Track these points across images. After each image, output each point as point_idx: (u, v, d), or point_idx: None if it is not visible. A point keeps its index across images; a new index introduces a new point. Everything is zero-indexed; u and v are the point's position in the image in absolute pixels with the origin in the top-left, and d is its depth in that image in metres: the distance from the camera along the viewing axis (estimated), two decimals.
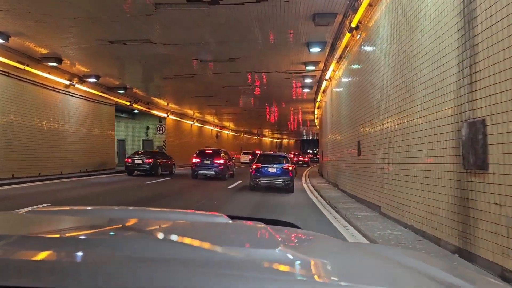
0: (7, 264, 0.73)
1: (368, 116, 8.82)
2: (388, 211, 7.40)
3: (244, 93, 22.30)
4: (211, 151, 17.96)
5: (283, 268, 0.85)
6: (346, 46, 11.29)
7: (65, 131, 16.95)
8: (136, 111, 27.47)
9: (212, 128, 41.78)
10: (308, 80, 17.78)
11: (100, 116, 20.24)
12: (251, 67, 15.86)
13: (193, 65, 15.36)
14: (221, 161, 17.36)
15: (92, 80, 17.49)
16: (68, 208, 1.54)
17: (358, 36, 9.80)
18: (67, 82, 16.73)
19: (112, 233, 1.19)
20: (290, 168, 13.42)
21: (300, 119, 39.31)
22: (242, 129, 53.06)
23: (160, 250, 0.89)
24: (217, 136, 43.45)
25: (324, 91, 18.52)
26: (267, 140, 68.21)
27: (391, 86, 7.06)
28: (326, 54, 13.82)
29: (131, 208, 1.68)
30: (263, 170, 13.12)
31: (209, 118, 37.55)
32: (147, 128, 30.15)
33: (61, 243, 0.94)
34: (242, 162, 39.42)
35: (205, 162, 17.25)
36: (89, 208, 1.53)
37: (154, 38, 12.12)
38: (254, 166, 13.35)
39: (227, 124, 44.44)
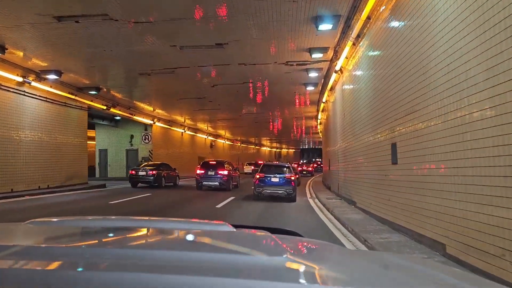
0: (7, 275, 0.74)
1: (416, 103, 5.84)
2: (466, 255, 4.39)
3: (238, 94, 19.37)
4: (215, 162, 17.95)
5: (290, 275, 0.88)
6: (369, 17, 8.40)
7: (17, 139, 13.88)
8: (118, 117, 24.54)
9: (206, 136, 38.79)
10: (312, 75, 14.85)
11: (68, 121, 17.20)
12: (244, 57, 12.93)
13: (171, 54, 12.42)
14: (225, 172, 17.33)
15: (53, 77, 14.50)
16: (71, 218, 1.63)
17: None
18: (20, 79, 13.74)
19: (116, 243, 1.22)
20: (293, 178, 13.64)
21: (302, 126, 37.24)
22: (239, 138, 50.10)
23: (165, 259, 0.91)
24: (211, 146, 40.45)
25: (331, 88, 15.59)
26: (265, 149, 65.24)
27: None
28: (338, 36, 10.91)
29: (134, 218, 1.70)
30: (266, 180, 13.29)
31: (202, 125, 34.60)
32: (131, 136, 27.14)
33: (65, 253, 0.96)
34: (246, 173, 37.41)
35: (209, 173, 17.22)
36: (92, 218, 1.57)
37: (114, 12, 9.18)
38: (257, 176, 13.44)
39: (222, 132, 41.48)
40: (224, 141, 45.31)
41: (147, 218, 1.71)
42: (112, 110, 20.43)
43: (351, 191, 11.71)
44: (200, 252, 1.03)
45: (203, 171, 17.41)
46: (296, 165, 32.74)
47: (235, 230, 1.34)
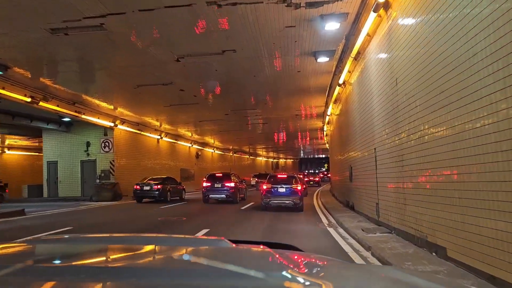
0: None
1: None
2: None
3: (220, 81, 13.76)
4: (221, 175, 17.95)
5: None
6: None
7: None
8: (67, 119, 18.80)
9: (190, 145, 32.97)
10: (331, 27, 9.18)
11: None
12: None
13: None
14: (232, 184, 17.22)
15: None
16: (69, 236, 1.63)
17: None
18: None
19: (114, 261, 1.24)
20: (299, 188, 13.74)
21: (304, 136, 33.82)
22: (231, 147, 44.31)
23: (163, 278, 0.92)
24: (197, 156, 34.62)
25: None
26: (261, 160, 59.38)
27: None
28: None
29: (132, 235, 1.68)
30: (273, 190, 13.57)
31: (184, 131, 28.86)
32: (88, 144, 21.30)
33: (58, 273, 0.98)
34: (253, 185, 35.07)
35: (216, 185, 17.17)
36: (89, 236, 1.56)
37: None
38: (264, 187, 13.79)
39: (210, 140, 35.72)
40: (213, 150, 39.46)
41: (146, 235, 1.70)
42: (42, 104, 14.62)
43: (430, 223, 5.91)
44: (199, 269, 1.05)
45: (209, 184, 17.28)
46: (302, 176, 31.05)
47: (233, 246, 1.38)
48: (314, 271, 1.18)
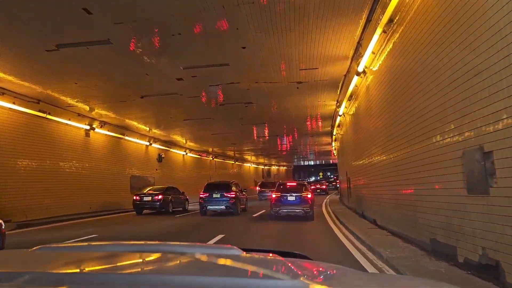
0: None
1: None
2: None
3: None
4: (220, 184, 17.02)
5: None
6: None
7: None
8: None
9: (148, 143, 24.39)
10: None
11: None
12: None
13: None
14: (232, 194, 16.23)
15: None
16: (78, 244, 1.72)
17: None
18: None
19: (125, 268, 1.23)
20: (309, 196, 13.55)
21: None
22: (210, 150, 35.77)
23: (175, 285, 0.94)
24: (160, 159, 25.98)
25: None
26: (249, 166, 50.70)
27: None
28: None
29: (143, 242, 1.70)
30: (282, 199, 13.47)
31: (136, 123, 20.41)
32: None
33: (74, 280, 1.00)
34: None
35: (214, 196, 16.10)
36: (101, 244, 1.58)
37: None
38: (273, 195, 13.80)
39: (179, 139, 27.22)
40: (184, 153, 30.83)
41: (156, 242, 1.68)
42: None
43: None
44: (211, 277, 1.04)
45: (206, 194, 16.21)
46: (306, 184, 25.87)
47: (244, 253, 1.39)
48: (326, 280, 1.18)
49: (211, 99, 15.92)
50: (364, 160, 12.44)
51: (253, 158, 48.02)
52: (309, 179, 72.01)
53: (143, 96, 14.70)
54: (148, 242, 1.71)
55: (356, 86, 12.20)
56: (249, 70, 12.45)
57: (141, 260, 1.33)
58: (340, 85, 14.39)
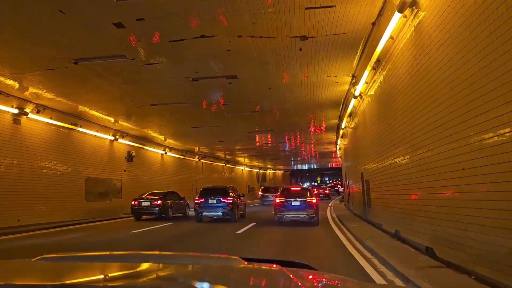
0: None
1: None
2: None
3: None
4: (216, 189, 16.38)
5: None
6: None
7: None
8: None
9: (112, 137, 19.85)
10: None
11: None
12: None
13: None
14: (229, 200, 15.42)
15: None
16: (79, 254, 1.60)
17: None
18: None
19: (127, 278, 1.25)
20: (314, 201, 13.31)
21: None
22: (196, 149, 31.30)
23: None
24: (129, 158, 21.44)
25: None
26: (242, 169, 46.13)
27: None
28: None
29: (144, 252, 1.85)
30: (287, 204, 13.25)
31: (96, 113, 16.08)
32: None
33: None
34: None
35: (210, 201, 15.38)
36: (103, 253, 1.62)
37: None
38: (277, 200, 13.52)
39: (155, 134, 22.74)
40: (163, 152, 26.27)
41: (157, 252, 1.72)
42: None
43: None
44: (214, 287, 1.09)
45: (202, 200, 15.52)
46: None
47: (246, 263, 1.39)
48: None
49: (170, 65, 11.27)
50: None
51: (247, 160, 43.49)
52: (307, 184, 67.52)
53: (77, 60, 10.16)
54: (150, 253, 1.88)
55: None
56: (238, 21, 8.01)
57: (143, 270, 1.35)
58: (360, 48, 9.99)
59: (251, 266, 1.40)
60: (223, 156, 37.38)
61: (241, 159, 41.61)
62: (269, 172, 55.98)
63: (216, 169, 37.70)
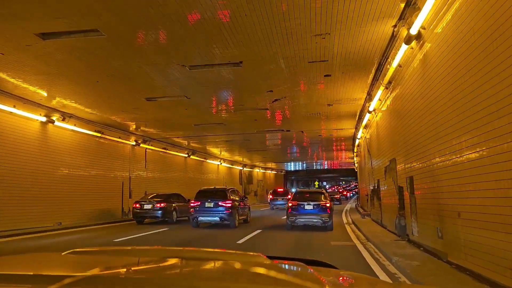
0: None
1: None
2: None
3: None
4: (214, 191, 15.04)
5: None
6: None
7: None
8: None
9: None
10: None
11: None
12: None
13: None
14: (228, 203, 14.18)
15: None
16: (105, 248, 1.68)
17: None
18: None
19: (154, 272, 1.29)
20: (328, 205, 12.98)
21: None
22: (133, 127, 17.58)
23: None
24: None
25: None
26: (218, 165, 32.05)
27: None
28: None
29: (170, 248, 1.74)
30: (299, 208, 12.96)
31: None
32: None
33: (106, 282, 1.03)
34: None
35: (207, 205, 14.21)
36: (131, 248, 1.61)
37: None
38: (290, 204, 13.31)
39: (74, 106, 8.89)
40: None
41: (181, 248, 1.72)
42: None
43: None
44: (237, 284, 1.07)
45: (198, 203, 14.32)
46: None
47: (271, 261, 1.38)
48: None
49: None
50: None
51: (225, 153, 29.84)
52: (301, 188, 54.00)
53: None
54: (175, 248, 1.84)
55: None
56: None
57: (169, 265, 1.36)
58: None
59: (275, 263, 1.39)
60: (186, 143, 23.70)
61: (215, 151, 27.92)
62: (257, 171, 42.22)
63: (173, 161, 23.82)
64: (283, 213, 16.22)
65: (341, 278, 1.33)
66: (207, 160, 29.20)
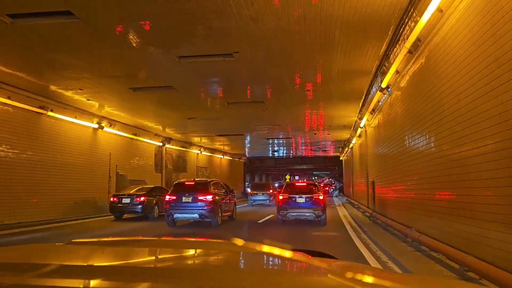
0: None
1: None
2: None
3: None
4: (193, 183, 13.72)
5: None
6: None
7: None
8: None
9: None
10: None
11: None
12: None
13: None
14: (209, 198, 13.00)
15: None
16: (106, 239, 1.79)
17: None
18: None
19: (153, 262, 1.33)
20: (321, 197, 13.02)
21: None
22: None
23: (203, 279, 0.98)
24: None
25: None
26: (148, 144, 23.09)
27: None
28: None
29: (169, 238, 1.94)
30: (290, 201, 12.91)
31: None
32: None
33: (102, 272, 1.06)
34: None
35: (184, 200, 13.04)
36: (128, 239, 1.71)
37: None
38: (280, 197, 13.23)
39: None
40: None
41: (178, 239, 1.81)
42: None
43: None
44: (241, 273, 1.12)
45: (174, 197, 13.11)
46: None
47: (271, 252, 1.44)
48: (351, 278, 1.20)
49: None
50: None
51: (157, 125, 21.08)
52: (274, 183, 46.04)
53: None
54: (175, 239, 1.94)
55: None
56: None
57: (166, 255, 1.41)
58: None
59: (278, 253, 1.42)
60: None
61: (148, 124, 19.33)
62: (195, 153, 32.25)
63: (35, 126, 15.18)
64: (268, 209, 15.42)
65: (342, 267, 1.36)
66: (138, 137, 19.84)
